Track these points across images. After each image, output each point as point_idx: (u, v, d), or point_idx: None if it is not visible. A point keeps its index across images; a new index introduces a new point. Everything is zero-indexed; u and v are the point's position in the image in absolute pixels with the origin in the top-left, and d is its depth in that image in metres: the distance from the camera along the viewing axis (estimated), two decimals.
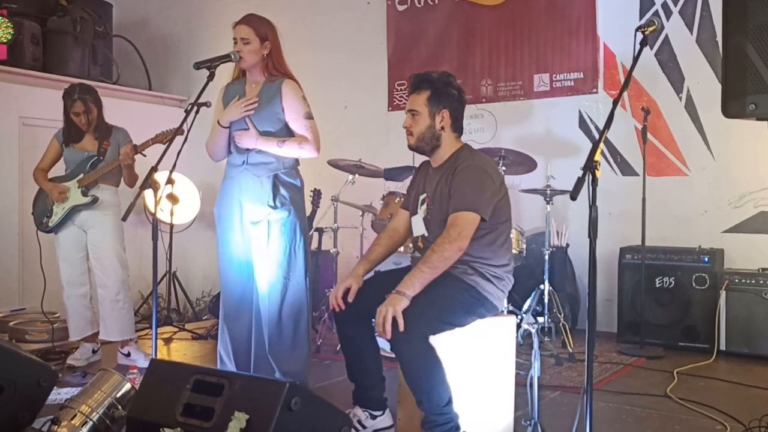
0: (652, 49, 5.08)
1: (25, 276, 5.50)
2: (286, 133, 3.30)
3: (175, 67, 7.09)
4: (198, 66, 3.26)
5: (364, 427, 2.93)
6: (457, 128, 2.94)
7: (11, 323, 4.93)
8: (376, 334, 2.98)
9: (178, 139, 3.41)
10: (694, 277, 4.61)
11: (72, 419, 2.64)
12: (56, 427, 2.64)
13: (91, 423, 2.64)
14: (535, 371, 2.72)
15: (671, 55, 5.09)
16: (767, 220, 4.76)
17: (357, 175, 4.91)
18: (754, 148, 4.76)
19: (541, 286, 4.50)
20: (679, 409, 3.40)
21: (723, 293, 4.46)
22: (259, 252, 3.30)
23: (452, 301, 2.71)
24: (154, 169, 3.20)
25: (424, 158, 3.10)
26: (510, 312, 4.15)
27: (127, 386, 2.76)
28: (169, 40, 7.29)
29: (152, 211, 3.18)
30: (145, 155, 4.03)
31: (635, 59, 2.33)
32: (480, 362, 2.82)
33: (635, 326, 4.71)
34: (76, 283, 4.30)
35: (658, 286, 4.71)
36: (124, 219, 3.24)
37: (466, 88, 5.67)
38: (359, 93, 6.30)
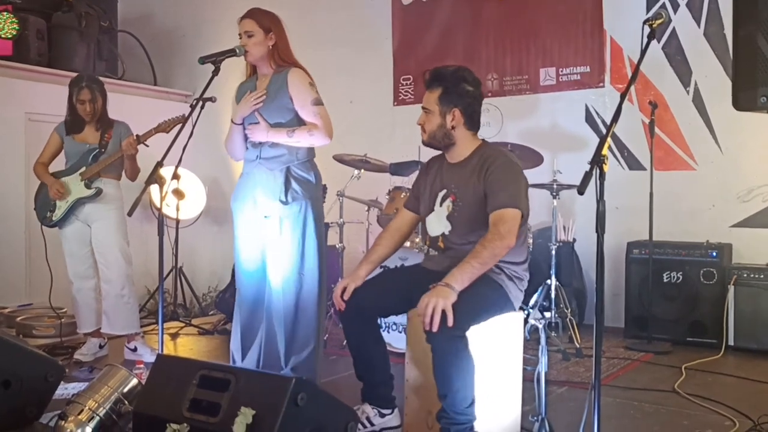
0: (659, 42, 5.05)
1: (32, 271, 5.52)
2: (297, 123, 3.28)
3: (180, 62, 7.08)
4: (203, 61, 3.25)
5: (373, 425, 2.93)
6: (472, 125, 2.90)
7: (18, 318, 4.94)
8: (383, 330, 2.97)
9: (184, 135, 3.41)
10: (701, 271, 4.59)
11: (79, 414, 2.64)
12: (63, 422, 2.65)
13: (97, 418, 2.64)
14: (543, 366, 2.71)
15: (678, 49, 5.05)
16: None
17: (362, 170, 4.90)
18: (762, 142, 4.73)
19: (548, 281, 4.48)
20: (687, 405, 3.38)
21: (731, 288, 4.44)
22: (272, 247, 3.29)
23: (487, 300, 2.70)
24: (159, 164, 3.19)
25: (432, 153, 3.08)
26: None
27: (134, 381, 2.77)
28: (174, 35, 7.28)
29: (158, 206, 3.17)
30: (147, 146, 4.02)
31: (643, 52, 2.31)
32: (487, 358, 2.80)
33: (642, 321, 4.69)
34: (85, 277, 4.31)
35: (665, 280, 4.69)
36: (129, 214, 3.22)
37: None
38: (364, 88, 6.29)
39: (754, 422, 2.89)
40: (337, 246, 4.96)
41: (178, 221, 5.85)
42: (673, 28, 5.05)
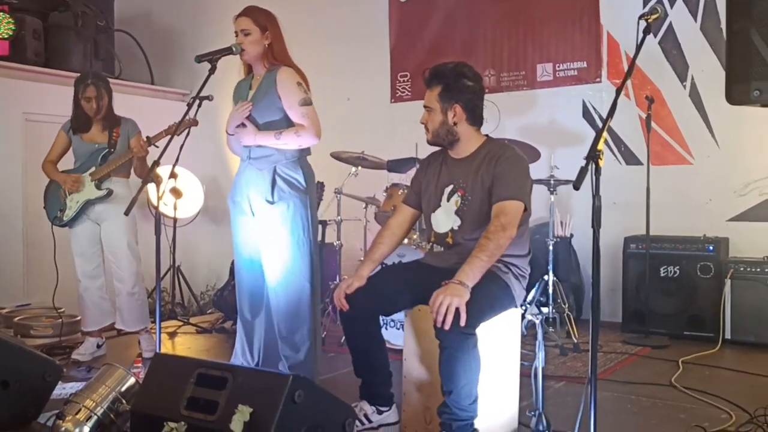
0: (656, 37, 5.05)
1: (30, 271, 5.52)
2: (287, 122, 3.29)
3: (177, 61, 7.08)
4: (199, 59, 3.25)
5: (371, 421, 2.93)
6: (475, 120, 2.90)
7: (16, 318, 4.94)
8: (383, 326, 2.97)
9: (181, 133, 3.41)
10: (699, 266, 4.59)
11: (77, 414, 2.65)
12: (61, 421, 2.65)
13: (95, 417, 2.65)
14: (540, 362, 2.72)
15: (675, 43, 5.06)
16: None
17: (360, 167, 4.90)
18: (759, 136, 4.74)
19: (545, 277, 4.49)
20: (685, 398, 3.39)
21: (728, 282, 4.44)
22: (264, 245, 3.32)
23: (495, 298, 2.71)
24: (156, 163, 3.20)
25: (430, 150, 3.07)
26: None
27: (132, 380, 2.77)
28: (172, 34, 7.28)
29: (155, 205, 3.18)
30: (157, 146, 4.03)
31: (638, 47, 2.31)
32: (485, 353, 2.80)
33: (640, 316, 4.70)
34: (92, 276, 4.33)
35: (662, 275, 4.70)
36: (126, 213, 3.23)
37: None
38: (362, 85, 6.28)
39: (751, 415, 2.89)
40: (335, 243, 4.97)
41: (175, 220, 5.85)
42: (670, 23, 5.05)
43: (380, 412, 2.94)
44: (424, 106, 2.91)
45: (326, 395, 2.45)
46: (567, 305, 4.55)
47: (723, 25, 4.85)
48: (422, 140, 3.05)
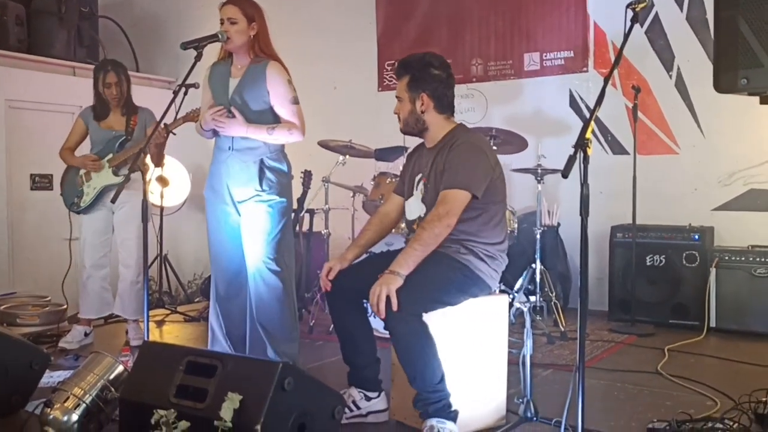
0: (642, 27, 5.07)
1: (15, 259, 5.47)
2: (270, 114, 3.29)
3: (162, 48, 7.01)
4: (185, 46, 3.22)
5: (359, 408, 2.94)
6: (443, 108, 2.92)
7: (2, 307, 4.89)
8: (369, 314, 2.99)
9: (167, 121, 3.39)
10: (684, 254, 4.63)
11: (65, 402, 2.63)
12: (49, 409, 2.63)
13: (84, 405, 2.63)
14: (528, 350, 2.74)
15: (661, 33, 5.08)
16: (756, 198, 4.78)
17: (347, 156, 4.89)
18: (743, 126, 4.78)
19: (533, 265, 4.52)
20: (670, 386, 3.42)
21: (713, 270, 4.49)
22: (247, 234, 3.32)
23: (445, 280, 2.71)
24: (142, 151, 3.18)
25: (417, 139, 3.09)
26: (502, 291, 4.16)
27: (120, 368, 2.76)
28: (156, 20, 7.21)
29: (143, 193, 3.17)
30: (175, 134, 4.01)
31: (626, 36, 2.32)
32: (473, 341, 2.83)
33: (626, 304, 4.74)
34: (98, 265, 4.33)
35: (648, 264, 4.74)
36: (113, 201, 3.22)
37: (456, 67, 5.65)
38: (349, 73, 6.26)
39: (735, 402, 2.92)
40: (322, 232, 4.96)
41: (162, 208, 5.82)
42: (656, 13, 5.07)
43: (368, 399, 2.96)
44: (396, 97, 2.96)
45: (315, 383, 2.46)
46: (554, 294, 4.58)
47: (708, 15, 4.87)
48: None
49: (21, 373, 2.95)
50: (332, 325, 3.13)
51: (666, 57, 5.08)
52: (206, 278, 5.53)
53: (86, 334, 4.39)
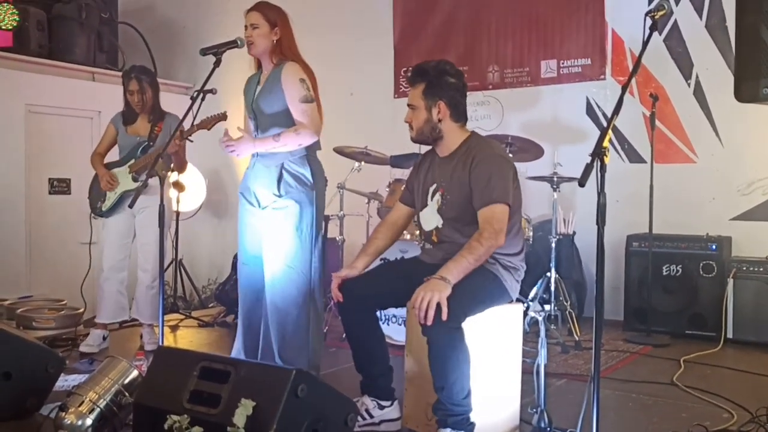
0: (660, 34, 5.04)
1: (33, 263, 5.53)
2: (285, 116, 3.28)
3: (181, 53, 7.07)
4: (204, 52, 3.25)
5: (372, 416, 2.93)
6: (458, 117, 2.90)
7: (18, 310, 4.95)
8: (382, 322, 2.98)
9: (185, 127, 3.42)
10: (701, 264, 4.59)
11: (79, 406, 2.65)
12: (64, 413, 2.65)
13: (98, 410, 2.65)
14: (542, 359, 2.72)
15: (680, 41, 5.04)
16: None
17: (363, 162, 4.89)
18: (762, 135, 4.73)
19: (548, 274, 4.49)
20: (686, 397, 3.39)
21: (730, 281, 4.44)
22: (266, 239, 3.32)
23: (483, 291, 2.70)
24: (159, 156, 3.20)
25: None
26: (517, 300, 4.14)
27: (135, 373, 2.77)
28: (175, 26, 7.27)
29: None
30: (192, 141, 4.04)
31: (644, 44, 2.31)
32: (487, 350, 2.81)
33: (642, 314, 4.70)
34: (116, 268, 4.37)
35: (665, 273, 4.70)
36: (130, 206, 3.24)
37: (473, 74, 5.65)
38: (365, 80, 6.28)
39: (752, 415, 2.89)
40: (337, 238, 4.96)
41: (178, 213, 5.86)
42: (675, 21, 5.04)
43: (381, 407, 2.95)
44: (409, 105, 2.91)
45: (329, 390, 2.45)
46: (569, 303, 4.54)
47: (728, 23, 4.84)
48: None
49: (36, 377, 2.97)
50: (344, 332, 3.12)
51: (684, 65, 5.04)
52: (221, 284, 5.55)
53: (104, 338, 4.42)
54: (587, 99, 5.39)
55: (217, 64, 3.21)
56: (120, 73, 6.40)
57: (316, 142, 3.33)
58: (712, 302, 4.52)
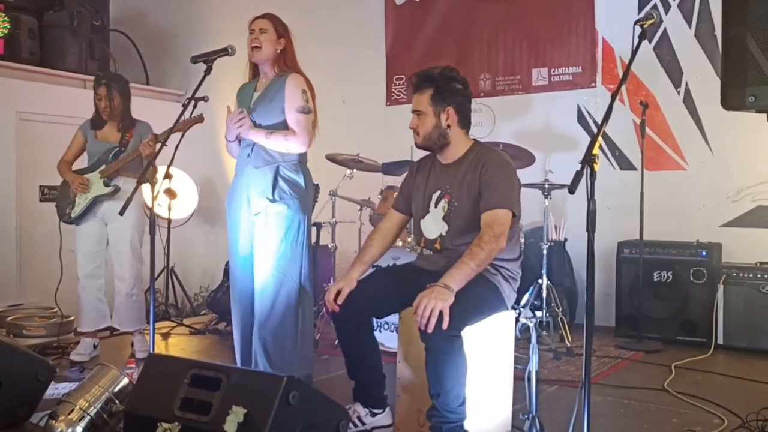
0: (650, 43, 5.08)
1: (23, 271, 5.50)
2: (284, 127, 3.31)
3: (173, 61, 7.07)
4: (195, 60, 3.26)
5: (364, 424, 2.93)
6: (465, 123, 2.90)
7: (8, 318, 4.92)
8: (377, 329, 2.98)
9: (176, 134, 3.42)
10: (692, 271, 4.61)
11: (69, 414, 2.64)
12: (54, 421, 2.64)
13: (88, 418, 2.64)
14: (533, 365, 2.72)
15: (670, 49, 5.08)
16: (765, 214, 4.76)
17: (355, 170, 4.90)
18: (752, 142, 4.76)
19: (539, 281, 4.50)
20: (677, 403, 3.40)
21: (721, 287, 4.46)
22: (258, 245, 3.31)
23: (483, 300, 2.71)
24: (150, 163, 3.20)
25: (423, 153, 3.08)
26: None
27: (125, 381, 2.76)
28: (167, 34, 7.27)
29: (149, 205, 3.18)
30: (166, 145, 4.03)
31: (634, 52, 2.32)
32: (478, 356, 2.81)
33: (633, 320, 4.71)
34: (92, 276, 4.33)
35: (656, 280, 4.72)
36: (121, 213, 3.23)
37: None
38: (357, 87, 6.29)
39: (742, 420, 2.90)
40: (329, 246, 4.96)
41: (170, 221, 5.82)
42: (665, 29, 5.07)
43: (374, 415, 2.94)
44: (414, 111, 2.90)
45: (320, 397, 2.45)
46: (560, 309, 4.56)
47: (717, 32, 4.87)
48: None
49: (26, 385, 2.95)
50: (337, 341, 3.11)
51: (674, 73, 5.08)
52: (212, 291, 5.53)
53: (95, 347, 4.40)
54: (578, 107, 5.41)
55: (207, 71, 3.22)
56: None
57: (305, 152, 3.36)
58: (702, 308, 4.54)
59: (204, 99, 3.34)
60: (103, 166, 4.25)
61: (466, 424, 2.62)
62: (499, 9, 5.72)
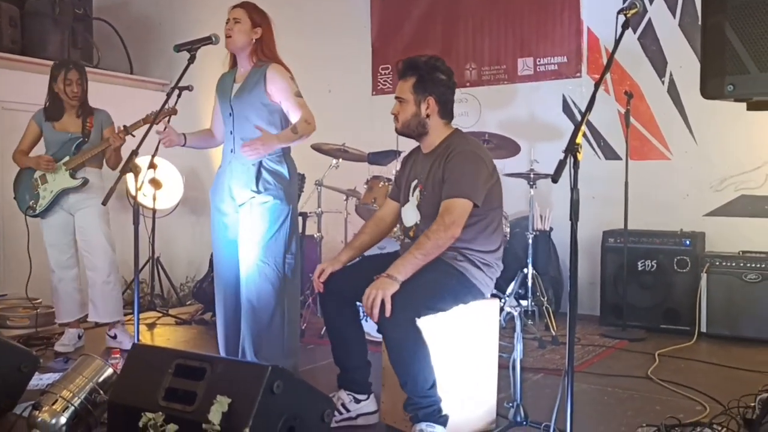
0: (635, 32, 5.09)
1: (7, 262, 5.45)
2: (267, 116, 3.30)
3: (156, 50, 7.01)
4: (178, 49, 3.24)
5: (348, 411, 2.94)
6: (446, 114, 2.91)
7: None
8: (362, 317, 2.99)
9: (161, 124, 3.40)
10: (675, 260, 4.65)
11: (53, 404, 2.62)
12: (37, 412, 2.62)
13: (72, 408, 2.62)
14: (518, 354, 2.74)
15: (654, 39, 5.10)
16: (748, 204, 4.80)
17: (341, 160, 4.89)
18: (735, 133, 4.79)
19: (525, 270, 4.52)
20: (660, 390, 3.43)
21: (704, 276, 4.50)
22: (242, 236, 3.31)
23: (441, 287, 2.71)
24: (134, 153, 3.18)
25: (410, 142, 3.08)
26: (493, 295, 4.16)
27: (109, 371, 2.75)
28: (151, 22, 7.20)
29: (134, 195, 3.17)
30: (134, 136, 3.99)
31: (617, 42, 2.33)
32: (463, 345, 2.83)
33: (618, 309, 4.75)
34: (66, 266, 4.29)
35: (640, 269, 4.75)
36: (104, 203, 3.22)
37: None
38: (343, 77, 6.27)
39: (724, 407, 2.93)
40: (315, 236, 4.96)
41: (154, 211, 5.81)
42: (649, 19, 5.09)
43: (357, 401, 2.96)
44: (397, 97, 2.92)
45: (305, 386, 2.45)
46: (546, 298, 4.58)
47: (701, 22, 4.89)
48: None
49: (9, 376, 2.93)
50: (324, 329, 3.13)
51: (658, 63, 5.10)
52: (198, 281, 5.52)
53: (79, 337, 4.37)
54: (563, 97, 5.42)
55: (191, 60, 3.20)
56: (95, 70, 6.39)
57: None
58: (686, 297, 4.58)
59: (188, 88, 3.32)
60: (67, 158, 4.17)
61: (447, 410, 2.64)
62: None
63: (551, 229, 5.15)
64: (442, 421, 2.63)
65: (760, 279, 4.34)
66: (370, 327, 4.00)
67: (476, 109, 5.76)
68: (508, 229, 4.43)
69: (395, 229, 4.30)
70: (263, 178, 3.27)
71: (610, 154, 5.25)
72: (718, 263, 4.49)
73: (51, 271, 4.29)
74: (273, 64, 3.31)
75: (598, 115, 5.12)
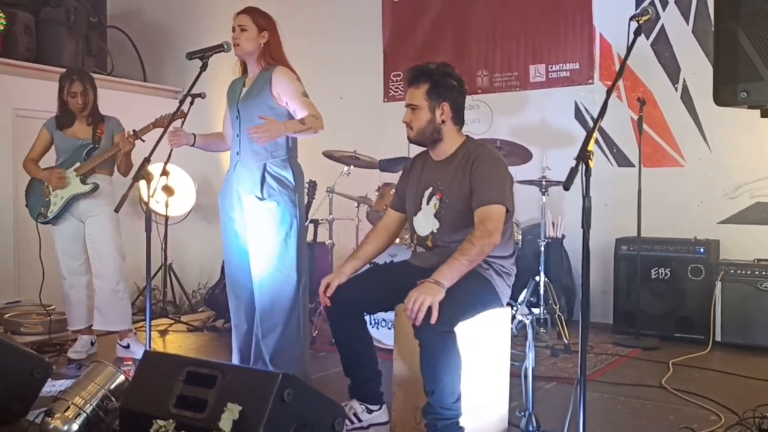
0: (648, 39, 5.07)
1: (21, 268, 5.49)
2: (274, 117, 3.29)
3: (169, 57, 7.05)
4: (190, 56, 3.26)
5: (360, 420, 2.93)
6: (459, 120, 2.90)
7: (6, 315, 4.92)
8: (371, 326, 2.97)
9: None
10: (689, 268, 4.61)
11: (65, 411, 2.64)
12: (50, 418, 2.64)
13: (84, 415, 2.64)
14: (530, 362, 2.73)
15: (667, 45, 5.07)
16: (763, 211, 4.76)
17: (352, 167, 4.90)
18: (749, 139, 4.76)
19: (537, 278, 4.50)
20: (674, 400, 3.40)
21: (718, 284, 4.46)
22: (252, 242, 3.31)
23: (475, 296, 2.70)
24: (147, 160, 3.19)
25: (420, 150, 3.07)
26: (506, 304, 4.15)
27: (121, 378, 2.76)
28: (164, 30, 7.25)
29: (146, 202, 3.18)
30: (144, 140, 4.00)
31: (629, 48, 2.32)
32: (475, 353, 2.81)
33: (631, 317, 4.71)
34: (78, 273, 4.30)
35: (653, 277, 4.71)
36: (116, 210, 3.23)
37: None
38: (355, 84, 6.28)
39: (739, 417, 2.90)
40: (326, 243, 4.96)
41: (167, 218, 5.83)
42: (662, 25, 5.06)
43: (370, 411, 2.94)
44: (409, 105, 2.89)
45: (316, 394, 2.45)
46: (558, 306, 4.56)
47: None
48: None
49: (22, 382, 2.95)
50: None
51: (672, 69, 5.07)
52: (210, 288, 5.53)
53: (92, 344, 4.39)
54: (576, 103, 5.40)
55: (203, 68, 3.22)
56: (109, 77, 6.44)
57: (296, 146, 3.35)
58: (700, 305, 4.54)
59: (201, 95, 3.34)
60: (78, 164, 4.19)
61: (462, 421, 2.62)
62: (497, 5, 5.71)
63: (563, 236, 5.13)
64: None
65: None
66: (379, 334, 4.01)
67: (488, 116, 5.75)
68: (519, 237, 4.41)
69: (407, 237, 4.33)
70: (267, 184, 3.27)
71: (622, 160, 5.22)
72: (732, 271, 4.45)
73: (62, 278, 4.30)
74: (279, 67, 3.32)
75: (610, 122, 5.10)
